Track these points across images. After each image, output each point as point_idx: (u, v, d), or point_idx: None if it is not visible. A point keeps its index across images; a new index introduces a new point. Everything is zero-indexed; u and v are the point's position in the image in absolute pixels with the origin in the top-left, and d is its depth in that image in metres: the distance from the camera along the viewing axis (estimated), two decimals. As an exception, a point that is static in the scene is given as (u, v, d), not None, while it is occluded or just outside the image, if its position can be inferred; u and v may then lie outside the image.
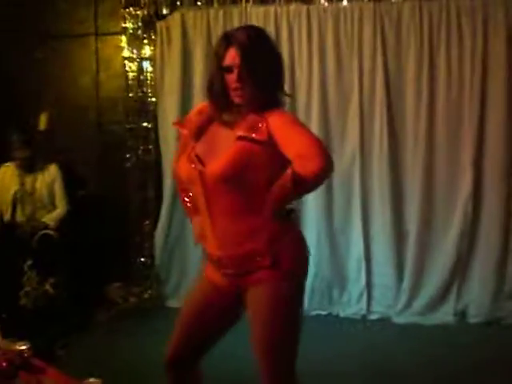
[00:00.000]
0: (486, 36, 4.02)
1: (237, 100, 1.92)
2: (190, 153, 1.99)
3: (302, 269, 2.03)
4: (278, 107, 1.94)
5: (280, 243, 1.94)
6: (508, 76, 4.03)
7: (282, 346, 1.98)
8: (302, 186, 1.81)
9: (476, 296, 4.13)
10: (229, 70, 1.90)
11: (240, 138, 1.88)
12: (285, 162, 1.83)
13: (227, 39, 1.93)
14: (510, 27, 3.98)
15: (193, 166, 1.95)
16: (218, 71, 1.93)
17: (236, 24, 4.23)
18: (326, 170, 1.79)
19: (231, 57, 1.89)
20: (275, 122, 1.87)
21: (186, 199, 2.15)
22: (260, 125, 1.86)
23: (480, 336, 3.89)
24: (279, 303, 1.95)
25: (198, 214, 2.10)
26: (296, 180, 1.77)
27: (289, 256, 1.96)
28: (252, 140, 1.86)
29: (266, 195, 1.86)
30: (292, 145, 1.82)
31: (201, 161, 1.95)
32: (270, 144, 1.85)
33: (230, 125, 1.96)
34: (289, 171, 1.78)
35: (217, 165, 1.89)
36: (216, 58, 1.95)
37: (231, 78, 1.89)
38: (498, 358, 3.50)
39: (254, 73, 1.88)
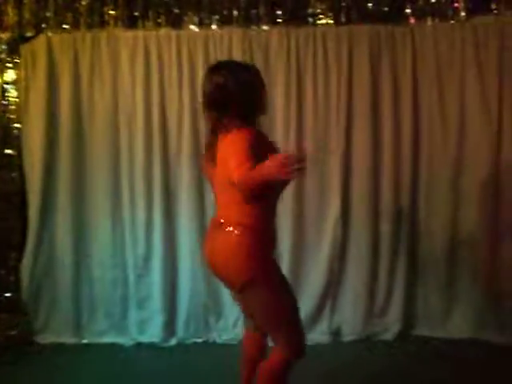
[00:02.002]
0: (351, 60, 4.17)
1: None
2: None
3: None
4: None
5: None
6: (372, 100, 4.19)
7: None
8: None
9: (348, 315, 4.23)
10: None
11: None
12: None
13: None
14: (372, 48, 4.16)
15: None
16: None
17: (104, 48, 4.16)
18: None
19: None
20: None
21: None
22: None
23: (354, 353, 3.98)
24: None
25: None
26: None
27: None
28: None
29: None
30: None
31: None
32: None
33: None
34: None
35: None
36: None
37: None
38: (371, 375, 3.61)
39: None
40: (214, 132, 2.48)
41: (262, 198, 2.39)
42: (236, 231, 2.38)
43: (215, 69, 2.51)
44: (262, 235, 2.45)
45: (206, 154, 2.58)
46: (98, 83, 4.18)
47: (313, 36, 4.19)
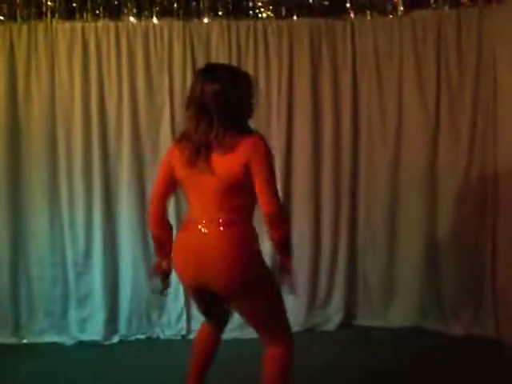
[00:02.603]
0: (292, 53, 4.20)
1: None
2: None
3: None
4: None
5: None
6: (313, 94, 4.23)
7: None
8: None
9: (291, 307, 4.23)
10: None
11: None
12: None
13: None
14: (312, 42, 4.21)
15: None
16: None
17: (41, 40, 4.05)
18: None
19: None
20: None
21: None
22: None
23: (297, 344, 3.95)
24: None
25: None
26: None
27: None
28: None
29: None
30: None
31: None
32: None
33: None
34: None
35: None
36: None
37: None
38: (314, 365, 3.64)
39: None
40: (202, 139, 2.38)
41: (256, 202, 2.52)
42: (240, 232, 2.45)
43: (211, 74, 2.40)
44: (255, 234, 2.55)
45: (188, 159, 2.43)
46: (34, 76, 4.07)
47: (253, 29, 4.19)
